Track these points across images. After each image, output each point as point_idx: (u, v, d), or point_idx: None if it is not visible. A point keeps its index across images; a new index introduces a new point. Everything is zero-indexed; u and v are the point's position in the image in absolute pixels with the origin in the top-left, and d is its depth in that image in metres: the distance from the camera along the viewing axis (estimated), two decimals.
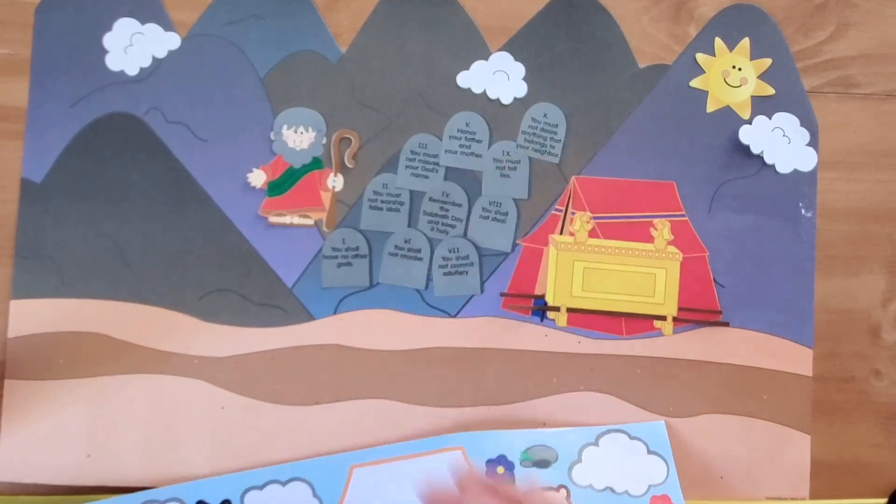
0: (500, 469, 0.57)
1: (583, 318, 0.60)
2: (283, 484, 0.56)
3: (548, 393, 0.60)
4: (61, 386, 0.58)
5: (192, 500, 0.55)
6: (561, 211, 0.61)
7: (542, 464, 0.58)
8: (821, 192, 0.62)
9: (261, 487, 0.56)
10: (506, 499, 0.41)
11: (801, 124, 0.62)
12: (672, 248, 0.61)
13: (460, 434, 0.58)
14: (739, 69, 0.62)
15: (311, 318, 0.59)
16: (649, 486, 0.58)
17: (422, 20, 0.61)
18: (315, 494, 0.56)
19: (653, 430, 0.59)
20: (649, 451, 0.59)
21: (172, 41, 0.60)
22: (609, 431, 0.59)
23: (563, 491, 0.58)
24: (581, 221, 0.61)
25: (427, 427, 0.59)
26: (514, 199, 0.61)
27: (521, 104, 0.61)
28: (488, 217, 0.61)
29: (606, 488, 0.58)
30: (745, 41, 0.62)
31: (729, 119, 0.62)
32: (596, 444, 0.58)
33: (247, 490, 0.55)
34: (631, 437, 0.59)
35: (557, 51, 0.61)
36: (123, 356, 0.58)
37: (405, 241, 0.60)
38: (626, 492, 0.58)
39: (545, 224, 0.61)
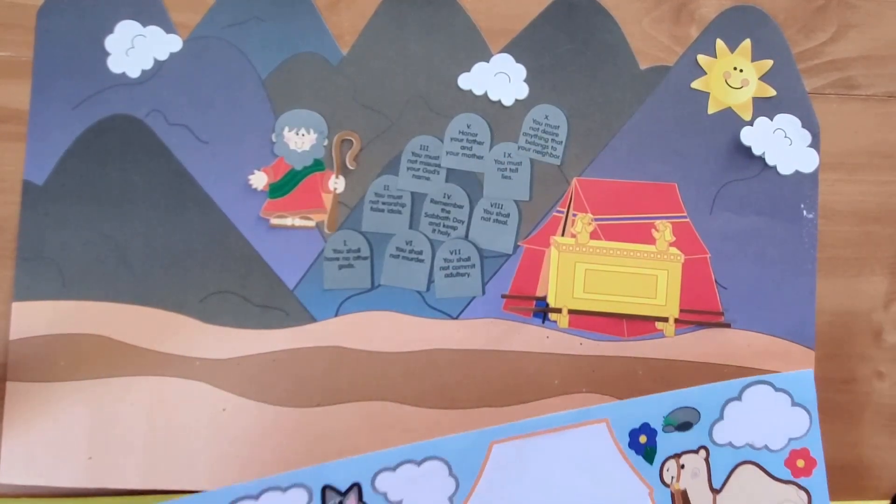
0: (643, 438, 0.56)
1: (584, 320, 0.60)
2: (419, 463, 0.53)
3: (549, 395, 0.60)
4: (63, 388, 0.58)
5: (318, 485, 0.51)
6: (562, 212, 0.61)
7: (685, 427, 0.56)
8: (822, 193, 0.62)
9: (394, 469, 0.52)
10: None
11: (803, 126, 0.62)
12: (673, 250, 0.61)
13: (604, 406, 0.56)
14: (741, 70, 0.62)
15: (312, 319, 0.59)
16: (789, 440, 0.57)
17: (423, 22, 0.61)
18: (451, 473, 0.53)
19: (799, 380, 0.57)
20: (793, 404, 0.57)
21: (174, 43, 0.60)
22: (753, 384, 0.57)
23: (702, 452, 0.56)
24: (582, 223, 0.61)
25: (428, 429, 0.59)
26: (516, 201, 0.61)
27: (522, 106, 0.61)
28: (490, 219, 0.61)
29: (745, 444, 0.56)
30: (747, 42, 0.62)
31: (730, 120, 0.62)
32: (739, 398, 0.56)
33: (378, 472, 0.52)
34: (776, 389, 0.57)
35: (558, 52, 0.61)
36: (124, 358, 0.58)
37: (406, 243, 0.60)
38: (766, 446, 0.57)
39: (546, 226, 0.61)
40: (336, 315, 0.59)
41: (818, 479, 0.57)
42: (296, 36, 0.60)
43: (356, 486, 0.52)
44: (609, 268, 0.61)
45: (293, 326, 0.59)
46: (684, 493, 0.56)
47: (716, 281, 0.61)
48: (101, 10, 0.60)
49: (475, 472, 0.54)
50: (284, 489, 0.51)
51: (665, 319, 0.61)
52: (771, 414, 0.57)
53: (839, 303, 0.62)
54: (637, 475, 0.56)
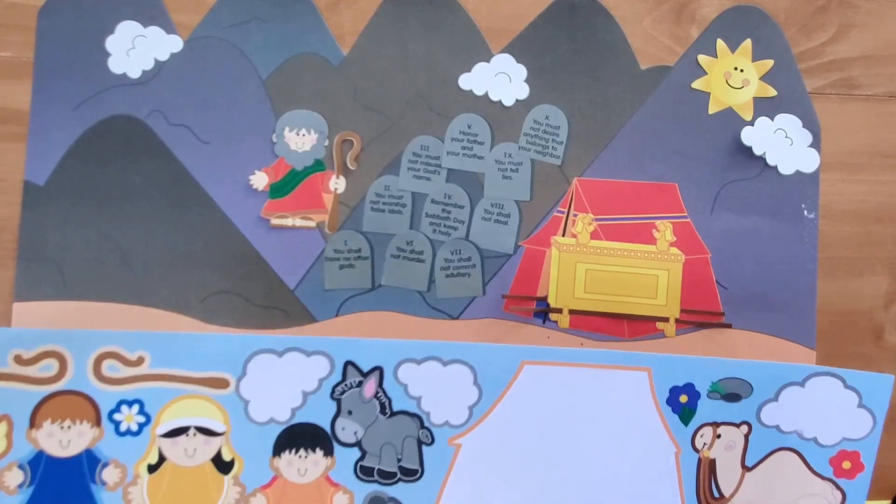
0: (684, 398, 0.54)
1: (585, 320, 0.60)
2: (445, 364, 0.51)
3: None
4: None
5: (342, 359, 0.50)
6: (563, 213, 0.61)
7: (732, 398, 0.55)
8: (823, 193, 0.62)
9: (419, 362, 0.51)
10: None
11: (804, 125, 0.62)
12: (674, 250, 0.61)
13: (650, 355, 0.54)
14: (741, 70, 0.62)
15: (313, 319, 0.59)
16: (842, 439, 0.55)
17: (423, 22, 0.61)
18: (476, 382, 0.52)
19: (875, 382, 0.55)
20: (860, 405, 0.55)
21: (175, 44, 0.60)
22: (821, 374, 0.55)
23: (744, 427, 0.55)
24: (583, 223, 0.61)
25: None
26: (516, 201, 0.61)
27: (522, 106, 0.61)
28: (490, 219, 0.61)
29: (793, 432, 0.55)
30: (747, 42, 0.62)
31: (731, 120, 0.62)
32: (801, 385, 0.55)
33: (402, 361, 0.51)
34: (846, 386, 0.55)
35: (559, 53, 0.61)
36: None
37: (407, 243, 0.60)
38: (815, 439, 0.55)
39: (547, 226, 0.61)
40: (337, 315, 0.59)
41: (859, 485, 0.56)
42: (296, 36, 0.60)
43: (378, 370, 0.51)
44: (610, 268, 0.61)
45: (294, 326, 0.59)
46: (712, 463, 0.55)
47: (716, 281, 0.61)
48: (101, 10, 0.60)
49: (501, 387, 0.52)
50: (308, 353, 0.50)
51: (666, 319, 0.61)
52: (832, 409, 0.55)
53: (840, 303, 0.62)
54: (668, 433, 0.55)
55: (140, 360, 0.49)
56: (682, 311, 0.61)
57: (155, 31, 0.60)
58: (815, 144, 0.62)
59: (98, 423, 0.48)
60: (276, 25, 0.60)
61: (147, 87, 0.59)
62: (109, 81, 0.59)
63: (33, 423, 0.48)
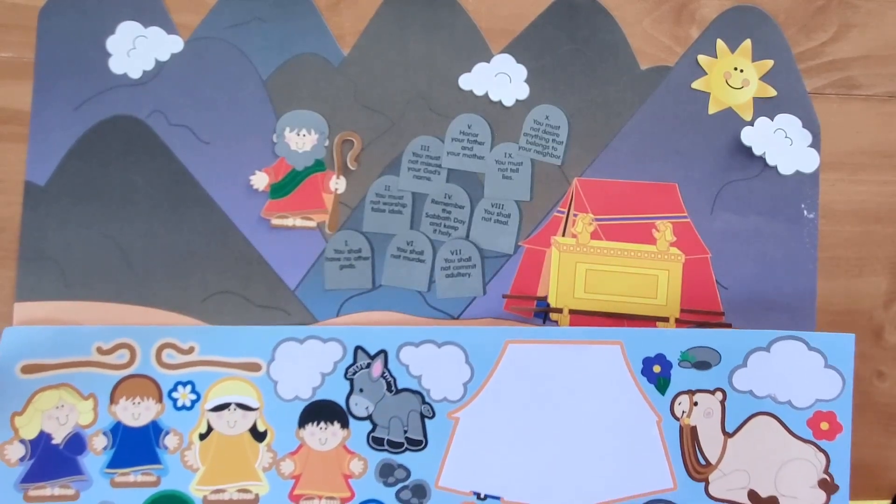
0: (657, 368, 0.57)
1: (585, 320, 0.60)
2: (439, 346, 0.57)
3: None
4: None
5: (352, 344, 0.57)
6: (563, 213, 0.61)
7: (702, 366, 0.57)
8: (823, 193, 0.62)
9: (417, 345, 0.57)
10: None
11: (804, 126, 0.62)
12: (674, 250, 0.61)
13: (619, 329, 0.58)
14: (741, 71, 0.62)
15: (314, 320, 0.59)
16: (816, 400, 0.57)
17: (424, 23, 0.61)
18: (468, 361, 0.58)
19: (837, 342, 0.57)
20: (826, 365, 0.57)
21: (175, 44, 0.60)
22: (785, 338, 0.57)
23: (718, 394, 0.57)
24: (583, 223, 0.61)
25: None
26: (517, 201, 0.61)
27: (523, 106, 0.61)
28: (490, 219, 0.61)
29: (767, 396, 0.57)
30: (747, 43, 0.62)
31: (731, 120, 0.62)
32: (767, 349, 0.57)
33: (403, 345, 0.57)
34: (810, 348, 0.57)
35: (559, 53, 0.62)
36: None
37: (407, 244, 0.60)
38: (790, 402, 0.57)
39: (547, 226, 0.61)
40: (337, 315, 0.59)
41: (841, 445, 0.57)
42: (297, 36, 0.60)
43: (383, 353, 0.57)
44: (610, 268, 0.61)
45: (294, 327, 0.59)
46: (693, 430, 0.57)
47: (716, 281, 0.61)
48: (102, 10, 0.60)
49: (489, 365, 0.57)
50: (325, 340, 0.58)
51: (666, 319, 0.61)
52: (800, 371, 0.57)
53: (840, 302, 0.62)
54: (647, 402, 0.58)
55: (191, 349, 0.57)
56: (682, 310, 0.61)
57: (155, 32, 0.60)
58: (815, 144, 0.62)
59: (160, 399, 0.57)
60: (276, 26, 0.60)
61: (148, 87, 0.60)
62: (110, 82, 0.59)
63: (112, 399, 0.57)
